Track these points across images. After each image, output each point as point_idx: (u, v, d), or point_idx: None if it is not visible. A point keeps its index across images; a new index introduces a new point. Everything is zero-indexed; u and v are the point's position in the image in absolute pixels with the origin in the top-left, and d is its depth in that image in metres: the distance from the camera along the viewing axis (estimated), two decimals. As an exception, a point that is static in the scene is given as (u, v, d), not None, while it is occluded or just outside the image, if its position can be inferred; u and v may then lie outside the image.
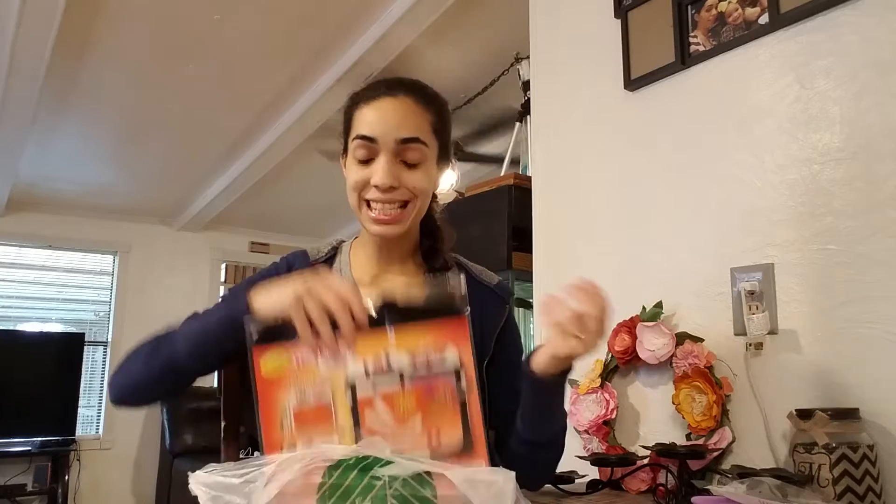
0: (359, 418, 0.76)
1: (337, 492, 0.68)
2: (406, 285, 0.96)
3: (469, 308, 0.75)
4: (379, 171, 0.91)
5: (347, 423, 0.76)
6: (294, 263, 1.02)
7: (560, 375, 0.85)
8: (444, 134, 0.99)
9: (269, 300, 0.78)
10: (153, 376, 0.86)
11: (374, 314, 0.76)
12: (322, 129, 3.49)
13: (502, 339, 0.99)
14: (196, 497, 0.66)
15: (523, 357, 0.91)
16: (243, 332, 0.78)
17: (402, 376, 0.75)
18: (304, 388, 0.76)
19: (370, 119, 0.93)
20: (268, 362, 0.75)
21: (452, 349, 0.75)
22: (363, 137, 0.92)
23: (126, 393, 0.89)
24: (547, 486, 1.29)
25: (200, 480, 0.65)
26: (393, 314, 0.76)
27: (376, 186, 0.91)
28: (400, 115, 0.93)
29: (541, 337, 1.78)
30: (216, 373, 1.13)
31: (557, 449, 0.95)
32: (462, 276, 0.77)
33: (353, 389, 0.75)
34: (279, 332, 0.76)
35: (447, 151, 1.02)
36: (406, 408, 0.76)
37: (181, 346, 0.84)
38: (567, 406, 1.54)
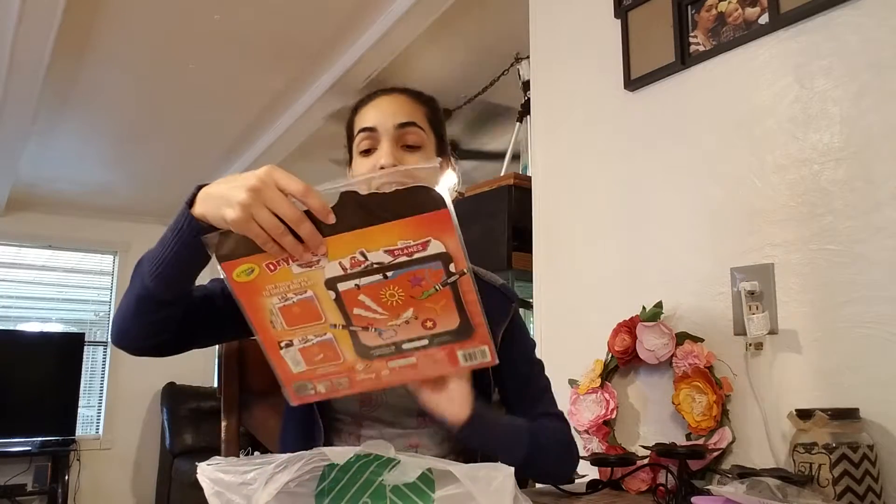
0: (346, 312, 0.73)
1: (335, 490, 0.68)
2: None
3: (450, 203, 0.67)
4: (382, 154, 0.96)
5: (337, 318, 0.73)
6: None
7: (461, 430, 0.83)
8: (439, 128, 1.05)
9: (216, 209, 0.70)
10: (132, 309, 0.82)
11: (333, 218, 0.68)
12: (322, 132, 3.49)
13: (508, 338, 1.00)
14: (197, 498, 0.67)
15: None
16: (200, 248, 0.73)
17: (382, 271, 0.70)
18: (284, 290, 0.71)
19: (369, 113, 1.01)
20: (239, 274, 0.70)
21: (436, 242, 0.68)
22: (365, 129, 0.98)
23: (119, 333, 0.85)
24: (547, 485, 1.29)
25: (206, 474, 0.65)
26: (361, 213, 0.67)
27: (381, 168, 0.94)
28: (396, 106, 1.00)
29: (541, 338, 1.79)
30: (216, 370, 1.14)
31: (545, 463, 0.96)
32: (437, 163, 0.71)
33: (334, 287, 0.71)
34: (240, 245, 0.69)
35: (444, 146, 1.07)
36: (394, 299, 0.72)
37: (146, 269, 0.80)
38: (567, 406, 1.54)
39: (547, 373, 1.11)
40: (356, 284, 0.71)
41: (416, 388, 0.81)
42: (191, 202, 0.74)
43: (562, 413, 1.06)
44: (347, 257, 0.69)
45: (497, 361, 0.77)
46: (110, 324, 0.87)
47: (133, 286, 0.82)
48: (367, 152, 0.99)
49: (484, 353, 0.77)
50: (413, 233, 0.67)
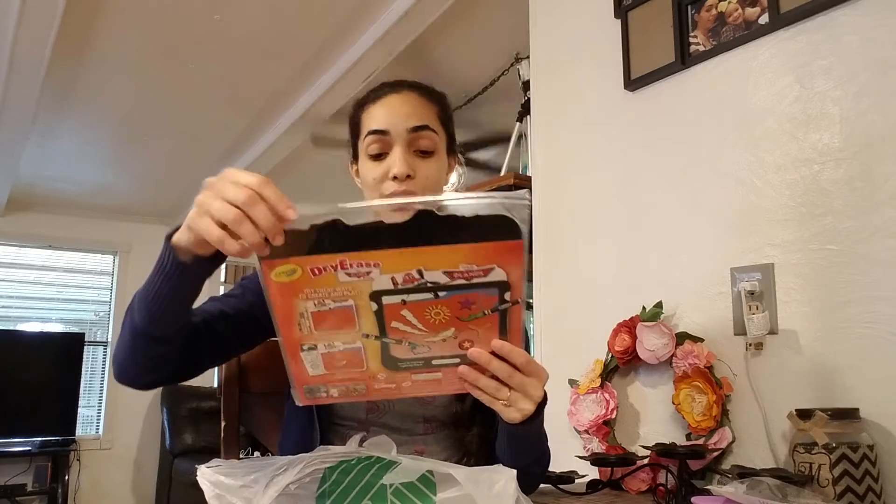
0: (384, 324, 0.70)
1: (336, 492, 0.68)
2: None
3: (526, 234, 0.64)
4: (395, 162, 0.92)
5: (371, 329, 0.70)
6: None
7: (520, 426, 0.79)
8: (449, 126, 1.01)
9: (183, 228, 0.69)
10: (129, 347, 0.81)
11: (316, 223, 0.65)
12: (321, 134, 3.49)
13: None
14: (197, 498, 0.67)
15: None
16: (191, 280, 0.72)
17: (435, 290, 0.67)
18: (323, 295, 0.68)
19: (380, 114, 0.95)
20: (279, 274, 0.67)
21: (499, 270, 0.66)
22: (375, 132, 0.94)
23: (120, 370, 0.84)
24: (547, 486, 1.29)
25: (206, 476, 0.65)
26: (432, 231, 0.65)
27: (394, 177, 0.91)
28: (409, 107, 0.95)
29: (541, 338, 1.79)
30: (216, 370, 1.13)
31: (538, 471, 0.94)
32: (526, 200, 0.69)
33: (378, 299, 0.68)
34: (286, 246, 0.66)
35: (454, 144, 1.03)
36: (439, 317, 0.69)
37: (136, 307, 0.78)
38: (567, 406, 1.55)
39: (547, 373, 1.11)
40: (403, 300, 0.68)
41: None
42: (170, 235, 0.73)
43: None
44: (402, 273, 0.66)
45: None
46: (110, 361, 0.85)
47: (126, 324, 0.80)
48: (377, 156, 0.94)
49: None
50: (480, 258, 0.65)
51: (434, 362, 0.74)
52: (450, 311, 0.69)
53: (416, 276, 0.66)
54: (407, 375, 0.75)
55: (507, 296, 0.68)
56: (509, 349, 0.72)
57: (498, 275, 0.66)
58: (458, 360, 0.73)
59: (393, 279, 0.66)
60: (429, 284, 0.67)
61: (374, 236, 0.65)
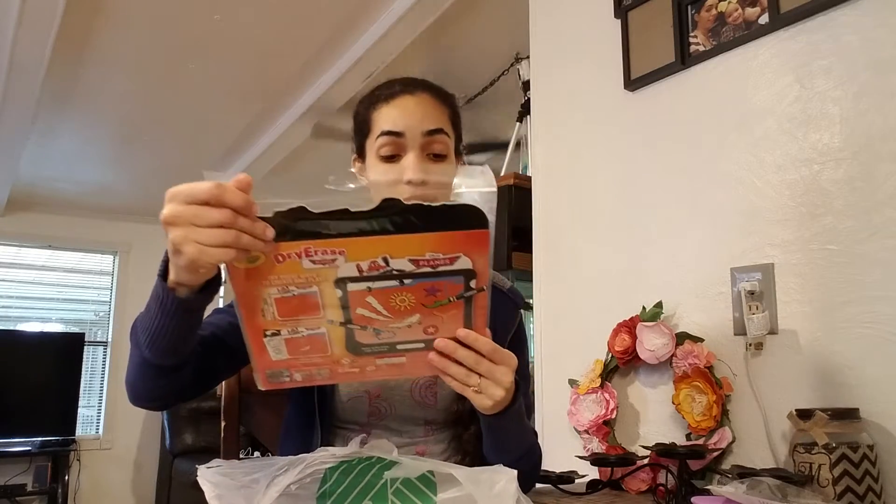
0: (349, 310, 0.70)
1: (336, 493, 0.68)
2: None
3: (491, 225, 0.65)
4: (410, 167, 0.91)
5: (336, 315, 0.70)
6: None
7: (496, 417, 0.80)
8: (458, 127, 1.00)
9: (173, 266, 0.68)
10: (139, 375, 0.81)
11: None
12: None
13: (513, 344, 0.99)
14: (197, 498, 0.67)
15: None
16: (193, 312, 0.72)
17: (401, 277, 0.67)
18: (287, 282, 0.68)
19: (394, 115, 0.93)
20: (242, 260, 0.66)
21: (465, 259, 0.66)
22: (389, 133, 0.92)
23: (135, 396, 0.84)
24: (547, 486, 1.29)
25: (206, 477, 0.65)
26: (397, 220, 0.65)
27: (409, 182, 0.90)
28: (423, 110, 0.94)
29: (541, 338, 1.79)
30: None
31: (526, 468, 0.91)
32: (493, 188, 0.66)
33: (343, 286, 0.68)
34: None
35: (460, 145, 1.02)
36: (404, 304, 0.69)
37: (141, 339, 0.77)
38: (567, 406, 1.55)
39: (547, 373, 1.11)
40: (368, 287, 0.68)
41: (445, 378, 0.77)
42: (163, 271, 0.71)
43: (536, 433, 1.05)
44: (367, 260, 0.66)
45: None
46: (125, 384, 0.85)
47: (134, 354, 0.79)
48: (390, 158, 0.93)
49: None
50: (445, 247, 0.65)
51: (399, 347, 0.74)
52: (415, 298, 0.69)
53: (382, 263, 0.66)
54: (371, 360, 0.75)
55: (473, 283, 0.69)
56: (474, 338, 0.73)
57: (464, 263, 0.67)
58: (422, 345, 0.74)
59: (358, 266, 0.66)
60: (394, 272, 0.67)
61: (339, 224, 0.64)
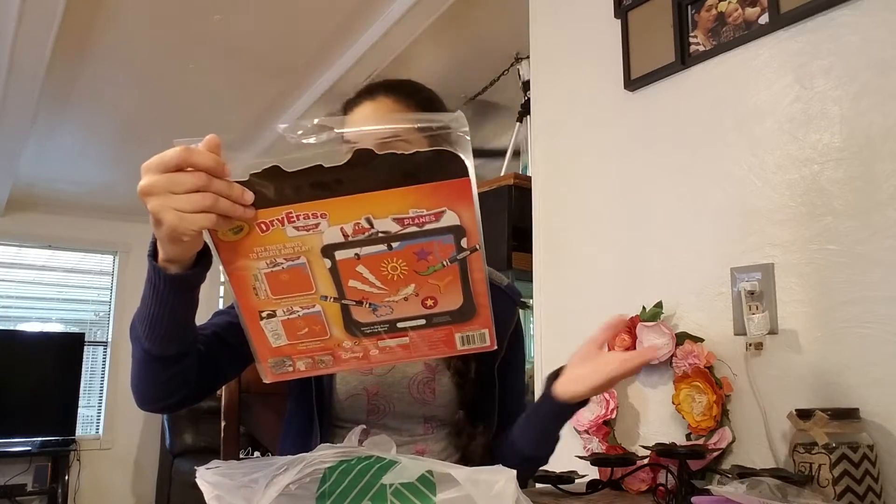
0: (341, 283, 0.67)
1: (336, 493, 0.68)
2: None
3: (473, 172, 0.62)
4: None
5: (329, 290, 0.67)
6: None
7: (577, 406, 0.93)
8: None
9: (159, 240, 0.67)
10: (143, 373, 0.80)
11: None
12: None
13: (512, 341, 1.00)
14: (197, 498, 0.67)
15: (545, 378, 0.96)
16: (187, 289, 0.72)
17: (388, 240, 0.64)
18: (274, 254, 0.65)
19: (352, 123, 0.96)
20: (225, 232, 0.64)
21: (451, 213, 0.63)
22: (346, 143, 0.93)
23: (141, 398, 0.83)
24: (547, 485, 1.29)
25: (205, 478, 0.65)
26: (374, 175, 0.62)
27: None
28: (378, 117, 0.95)
29: (541, 338, 1.79)
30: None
31: (545, 461, 1.00)
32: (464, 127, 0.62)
33: (331, 255, 0.65)
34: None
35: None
36: (396, 273, 0.67)
37: (140, 332, 0.77)
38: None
39: (547, 373, 1.12)
40: (356, 254, 0.65)
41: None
42: (153, 252, 0.71)
43: None
44: (351, 223, 0.63)
45: (496, 346, 0.74)
46: (131, 389, 0.84)
47: (136, 352, 0.79)
48: None
49: (483, 337, 0.73)
50: (428, 201, 0.62)
51: (399, 325, 0.72)
52: (407, 265, 0.66)
53: (366, 225, 0.64)
54: (373, 342, 0.73)
55: (464, 242, 0.65)
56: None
57: (450, 218, 0.64)
58: (423, 321, 0.71)
59: (343, 230, 0.64)
60: (380, 234, 0.64)
61: (316, 183, 0.62)
